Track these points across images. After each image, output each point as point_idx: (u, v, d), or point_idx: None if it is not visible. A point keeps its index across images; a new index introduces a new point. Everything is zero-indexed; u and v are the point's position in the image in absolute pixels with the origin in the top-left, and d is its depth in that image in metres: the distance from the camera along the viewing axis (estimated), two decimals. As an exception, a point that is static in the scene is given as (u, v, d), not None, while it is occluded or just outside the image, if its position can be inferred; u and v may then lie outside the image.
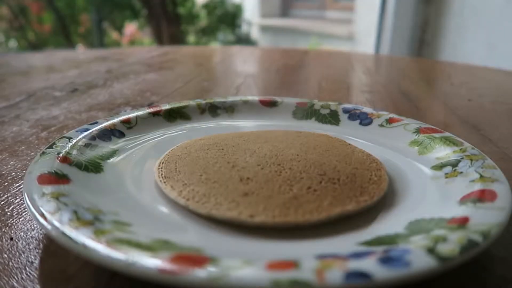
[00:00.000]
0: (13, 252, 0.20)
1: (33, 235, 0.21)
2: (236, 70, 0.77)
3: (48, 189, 0.21)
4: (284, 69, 0.75)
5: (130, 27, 2.90)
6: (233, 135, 0.30)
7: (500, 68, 0.77)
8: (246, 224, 0.20)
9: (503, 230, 0.18)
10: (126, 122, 0.32)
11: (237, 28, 3.01)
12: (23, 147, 0.33)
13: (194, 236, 0.19)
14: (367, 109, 0.36)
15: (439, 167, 0.26)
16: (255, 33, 3.07)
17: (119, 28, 2.85)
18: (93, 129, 0.29)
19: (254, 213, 0.20)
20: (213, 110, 0.36)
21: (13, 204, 0.24)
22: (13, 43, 2.56)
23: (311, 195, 0.22)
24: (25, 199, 0.20)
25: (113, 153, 0.28)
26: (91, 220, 0.18)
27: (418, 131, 0.31)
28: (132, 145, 0.30)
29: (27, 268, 0.19)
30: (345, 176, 0.24)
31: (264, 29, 3.05)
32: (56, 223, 0.18)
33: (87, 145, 0.27)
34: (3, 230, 0.22)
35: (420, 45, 1.71)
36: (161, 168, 0.25)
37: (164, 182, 0.23)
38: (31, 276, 0.18)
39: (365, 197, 0.22)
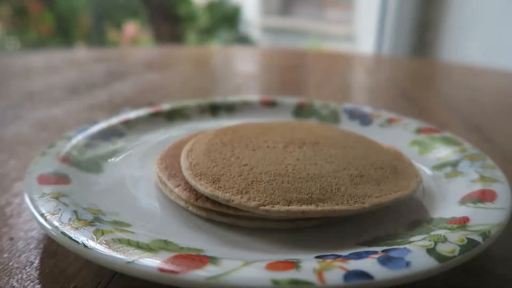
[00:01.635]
0: (13, 252, 0.20)
1: (33, 235, 0.21)
2: (236, 70, 0.77)
3: (48, 189, 0.21)
4: (284, 69, 0.75)
5: (130, 27, 2.90)
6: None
7: (500, 68, 0.77)
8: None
9: (503, 230, 0.18)
10: (126, 122, 0.32)
11: (236, 28, 3.01)
12: (23, 147, 0.33)
13: (194, 236, 0.19)
14: (367, 109, 0.36)
15: (440, 167, 0.26)
16: (255, 33, 3.07)
17: (118, 25, 2.85)
18: (93, 129, 0.29)
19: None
20: (213, 110, 0.36)
21: (13, 204, 0.24)
22: (13, 43, 2.56)
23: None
24: (25, 199, 0.20)
25: (113, 153, 0.28)
26: (91, 220, 0.18)
27: (418, 131, 0.31)
28: (132, 145, 0.30)
29: (27, 268, 0.19)
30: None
31: (264, 28, 3.06)
32: (56, 223, 0.18)
33: (87, 145, 0.27)
34: (3, 230, 0.22)
35: (420, 45, 1.71)
36: (162, 167, 0.25)
37: (164, 184, 0.23)
38: (31, 276, 0.18)
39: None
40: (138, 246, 0.16)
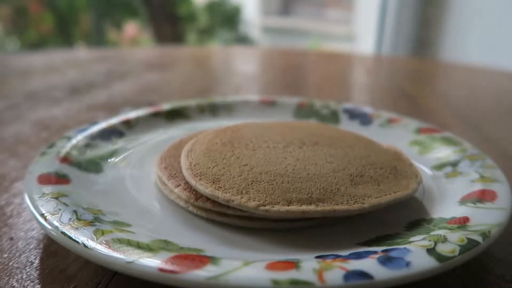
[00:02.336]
0: (13, 252, 0.20)
1: (33, 235, 0.21)
2: (236, 70, 0.77)
3: (48, 189, 0.21)
4: (284, 69, 0.75)
5: (130, 27, 2.90)
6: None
7: (500, 68, 0.77)
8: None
9: (503, 230, 0.18)
10: (126, 122, 0.32)
11: (236, 28, 3.01)
12: (23, 147, 0.33)
13: (194, 236, 0.19)
14: (367, 109, 0.36)
15: (439, 167, 0.26)
16: (255, 32, 3.07)
17: (118, 25, 2.85)
18: (93, 129, 0.29)
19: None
20: (213, 110, 0.36)
21: (13, 204, 0.24)
22: (13, 43, 2.56)
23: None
24: (25, 199, 0.20)
25: (113, 153, 0.28)
26: (91, 220, 0.18)
27: (418, 131, 0.31)
28: (132, 145, 0.30)
29: (27, 268, 0.19)
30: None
31: (264, 28, 3.06)
32: (56, 223, 0.18)
33: (87, 145, 0.27)
34: (3, 230, 0.22)
35: (420, 44, 1.71)
36: (162, 167, 0.25)
37: (164, 184, 0.23)
38: (31, 276, 0.18)
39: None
40: (138, 246, 0.16)
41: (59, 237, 0.17)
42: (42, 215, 0.18)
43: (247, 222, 0.20)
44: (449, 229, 0.18)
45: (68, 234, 0.17)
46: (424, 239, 0.17)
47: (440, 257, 0.16)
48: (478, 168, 0.24)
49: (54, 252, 0.20)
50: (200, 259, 0.16)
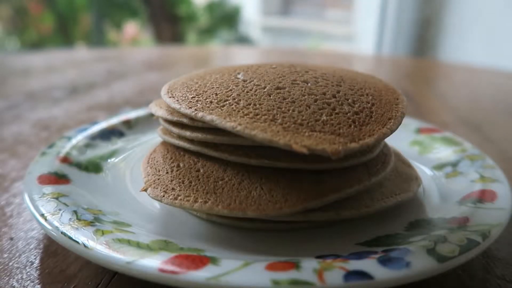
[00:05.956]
0: (13, 252, 0.20)
1: (33, 235, 0.21)
2: (236, 70, 0.77)
3: (48, 189, 0.21)
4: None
5: (130, 27, 2.89)
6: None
7: (500, 68, 0.77)
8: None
9: (503, 230, 0.18)
10: (126, 122, 0.32)
11: (236, 28, 3.01)
12: (23, 147, 0.33)
13: (194, 236, 0.19)
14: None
15: (440, 167, 0.26)
16: (255, 33, 3.07)
17: (118, 25, 2.85)
18: (93, 129, 0.29)
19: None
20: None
21: (13, 204, 0.24)
22: (13, 43, 2.56)
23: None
24: (25, 199, 0.20)
25: (113, 153, 0.28)
26: (91, 221, 0.18)
27: (418, 131, 0.31)
28: (132, 145, 0.30)
29: (27, 268, 0.19)
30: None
31: (264, 28, 3.06)
32: (56, 224, 0.18)
33: (87, 145, 0.27)
34: (3, 230, 0.22)
35: (420, 45, 1.71)
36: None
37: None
38: (31, 276, 0.18)
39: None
40: (138, 246, 0.16)
41: (59, 237, 0.17)
42: (42, 215, 0.18)
43: (247, 223, 0.20)
44: (449, 229, 0.18)
45: (68, 234, 0.17)
46: (424, 239, 0.17)
47: (440, 257, 0.16)
48: (478, 168, 0.24)
49: (54, 252, 0.20)
50: (200, 259, 0.16)
